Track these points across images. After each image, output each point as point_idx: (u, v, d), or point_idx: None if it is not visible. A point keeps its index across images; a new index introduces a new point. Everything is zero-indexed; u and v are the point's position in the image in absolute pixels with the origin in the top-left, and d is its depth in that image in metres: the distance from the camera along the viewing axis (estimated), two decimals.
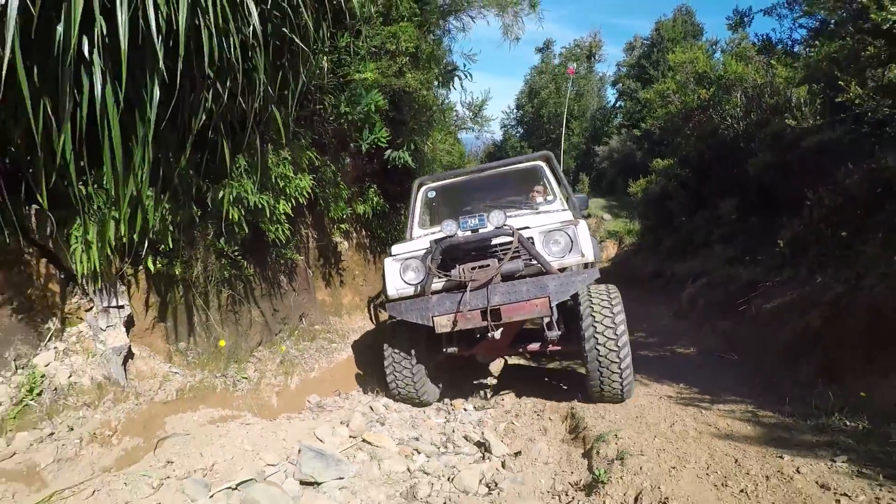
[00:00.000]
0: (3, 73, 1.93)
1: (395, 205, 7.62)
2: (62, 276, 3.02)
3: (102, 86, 2.50)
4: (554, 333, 4.29)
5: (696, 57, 12.60)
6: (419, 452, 3.70)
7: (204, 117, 3.09)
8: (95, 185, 2.97)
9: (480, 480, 3.23)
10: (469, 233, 4.24)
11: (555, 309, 4.14)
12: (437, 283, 4.39)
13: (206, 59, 2.82)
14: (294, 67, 3.53)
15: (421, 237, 5.06)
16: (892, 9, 3.99)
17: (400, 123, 6.70)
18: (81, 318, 3.06)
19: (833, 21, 5.81)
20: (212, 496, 2.58)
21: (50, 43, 2.35)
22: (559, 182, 5.50)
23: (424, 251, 4.45)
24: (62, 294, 3.01)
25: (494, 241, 4.28)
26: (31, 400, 2.65)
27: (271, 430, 3.44)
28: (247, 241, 4.25)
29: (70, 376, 2.85)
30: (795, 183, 7.10)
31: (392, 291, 4.58)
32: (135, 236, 3.10)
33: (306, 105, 4.99)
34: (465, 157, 15.14)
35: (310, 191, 4.67)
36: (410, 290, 4.52)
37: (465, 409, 5.02)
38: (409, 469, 3.39)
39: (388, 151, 6.54)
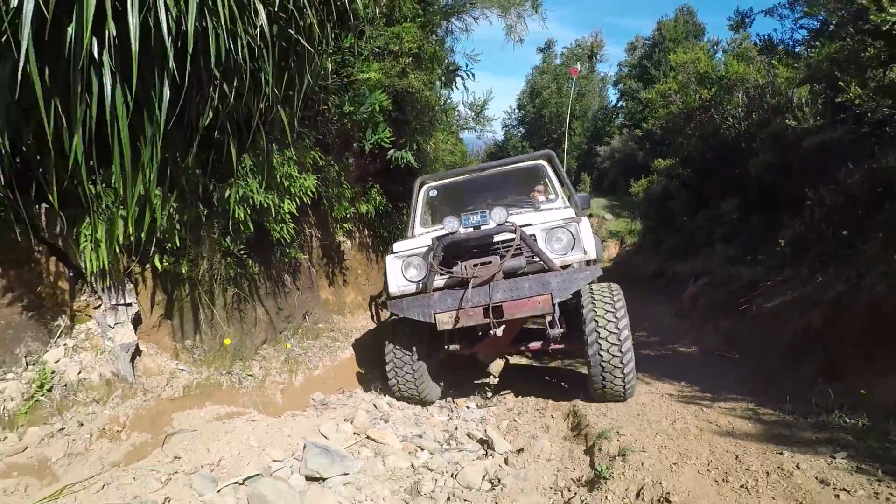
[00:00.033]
0: (19, 75, 1.97)
1: (397, 204, 7.66)
2: (71, 274, 3.07)
3: (112, 87, 2.54)
4: (556, 331, 4.30)
5: (697, 57, 12.63)
6: (422, 449, 3.74)
7: (210, 117, 3.13)
8: (104, 185, 3.01)
9: (483, 476, 3.27)
10: (471, 229, 4.24)
11: (557, 306, 4.14)
12: (439, 281, 4.39)
13: (213, 59, 2.86)
14: (299, 68, 3.56)
15: (422, 235, 5.06)
16: (891, 10, 4.03)
17: (403, 123, 6.74)
18: (90, 316, 3.11)
19: (833, 22, 5.83)
20: (219, 491, 2.61)
21: (61, 44, 2.39)
22: (561, 181, 5.50)
23: (426, 248, 4.45)
24: (71, 292, 3.05)
25: (497, 238, 4.28)
26: (42, 396, 2.69)
27: (276, 427, 3.48)
28: (252, 240, 4.29)
29: (79, 372, 2.90)
30: (796, 183, 7.13)
31: (394, 289, 4.58)
32: (142, 235, 3.15)
33: (311, 105, 5.03)
34: (467, 156, 15.17)
35: (314, 190, 4.71)
36: (412, 288, 4.51)
37: (467, 407, 5.05)
38: (412, 465, 3.43)
39: (391, 151, 6.58)
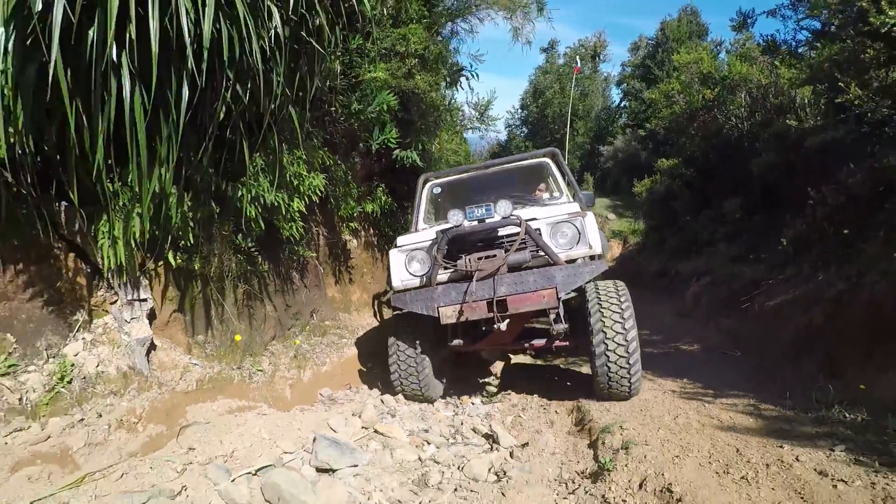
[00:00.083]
0: (50, 78, 2.05)
1: (402, 204, 7.74)
2: (89, 270, 3.15)
3: (131, 88, 2.62)
4: (561, 326, 4.27)
5: (700, 57, 12.69)
6: (429, 443, 3.80)
7: (223, 117, 3.22)
8: (120, 183, 3.09)
9: (489, 469, 3.33)
10: (476, 223, 4.19)
11: (561, 304, 4.14)
12: (443, 275, 4.34)
13: (227, 61, 2.94)
14: (310, 69, 3.64)
15: (426, 230, 4.99)
16: (890, 13, 4.08)
17: (408, 124, 6.82)
18: (107, 311, 3.19)
19: (834, 24, 5.89)
20: (233, 480, 2.69)
21: (82, 47, 2.48)
22: (566, 178, 5.47)
23: (430, 242, 4.41)
24: (89, 287, 3.14)
25: (501, 232, 4.24)
26: (62, 387, 2.78)
27: (287, 421, 3.56)
28: (261, 237, 4.38)
29: (97, 365, 2.98)
30: (799, 182, 7.18)
31: (397, 283, 4.53)
32: (157, 232, 3.24)
33: (319, 106, 5.12)
34: (470, 156, 15.27)
35: (322, 189, 4.78)
36: (416, 282, 4.46)
37: (472, 403, 5.11)
38: (420, 458, 3.50)
39: (397, 151, 6.66)
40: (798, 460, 2.83)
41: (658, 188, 15.36)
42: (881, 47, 4.47)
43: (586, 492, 2.88)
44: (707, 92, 11.56)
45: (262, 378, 4.23)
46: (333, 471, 3.06)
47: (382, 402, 4.71)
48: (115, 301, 3.24)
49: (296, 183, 4.35)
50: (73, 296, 3.05)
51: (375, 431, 3.80)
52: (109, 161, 2.80)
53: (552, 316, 4.29)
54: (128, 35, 2.45)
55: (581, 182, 26.59)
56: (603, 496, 2.77)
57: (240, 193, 3.70)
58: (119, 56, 2.56)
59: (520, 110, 37.19)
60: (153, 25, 2.37)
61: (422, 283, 4.44)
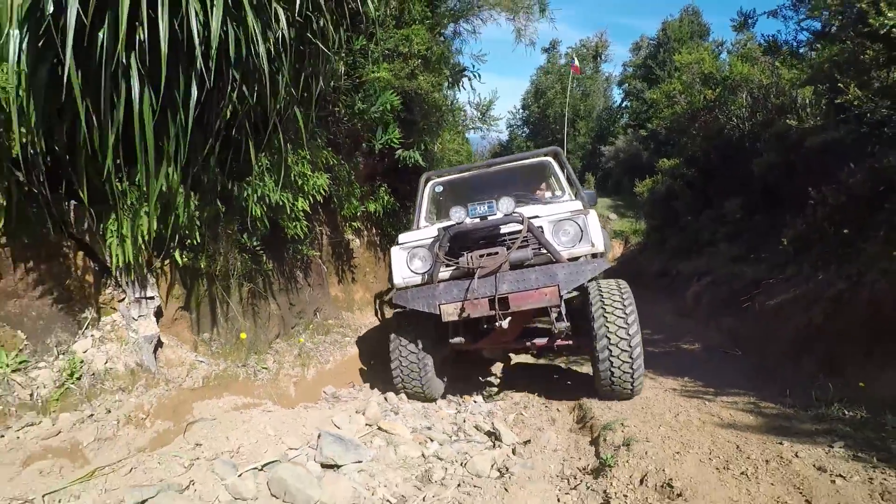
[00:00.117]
0: (65, 79, 2.09)
1: (404, 203, 7.78)
2: (97, 269, 3.20)
3: (140, 89, 2.67)
4: (563, 324, 4.25)
5: (702, 58, 12.74)
6: (432, 440, 3.84)
7: (229, 117, 3.26)
8: (128, 182, 3.14)
9: (492, 465, 3.37)
10: (478, 220, 4.18)
11: (563, 302, 4.12)
12: (445, 272, 4.33)
13: (234, 62, 2.99)
14: (314, 70, 3.68)
15: (427, 228, 4.96)
16: (889, 14, 4.12)
17: (411, 124, 6.86)
18: (115, 308, 3.24)
19: (834, 25, 5.93)
20: (240, 475, 2.73)
21: (92, 48, 2.52)
22: (568, 177, 5.45)
23: (432, 239, 4.40)
24: (97, 285, 3.19)
25: (503, 229, 4.23)
26: (72, 383, 2.82)
27: (291, 418, 3.60)
28: (266, 237, 4.42)
29: (106, 362, 3.03)
30: (799, 182, 7.20)
31: (398, 280, 4.51)
32: (164, 231, 3.28)
33: (323, 106, 5.16)
34: (472, 156, 15.30)
35: (326, 189, 4.81)
36: (417, 279, 4.44)
37: (474, 401, 5.14)
38: (423, 455, 3.54)
39: (400, 151, 6.70)
40: (797, 456, 2.86)
41: (659, 188, 15.38)
42: (880, 48, 4.50)
43: (588, 487, 2.92)
44: (708, 92, 11.59)
45: (266, 375, 4.27)
46: (338, 466, 3.10)
47: (386, 399, 4.75)
48: (123, 299, 3.28)
49: (300, 182, 4.39)
50: (81, 293, 3.10)
51: (379, 428, 3.84)
52: (118, 161, 2.84)
53: (554, 314, 4.26)
54: (137, 37, 2.50)
55: (583, 182, 26.54)
56: (604, 491, 2.81)
57: (245, 193, 3.75)
58: (128, 57, 2.60)
59: (521, 110, 37.24)
60: (163, 27, 2.41)
61: (423, 281, 4.42)
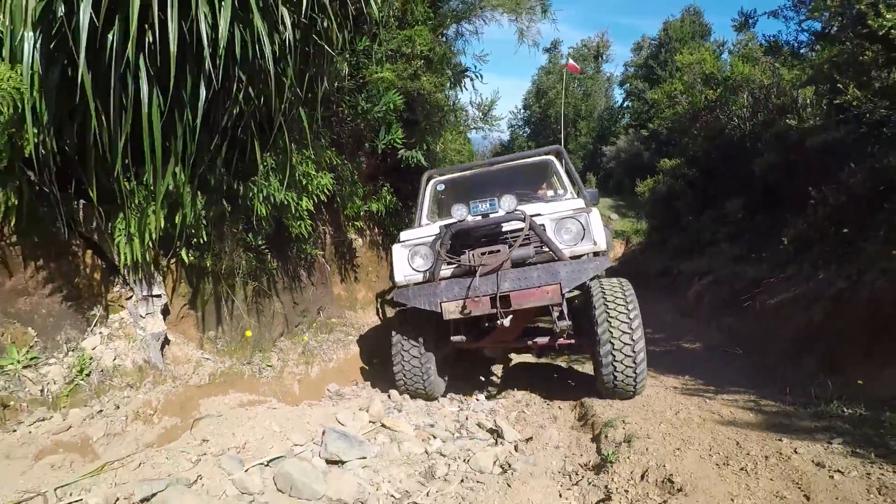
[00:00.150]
0: (79, 80, 2.14)
1: (406, 203, 7.81)
2: (105, 267, 3.25)
3: (149, 90, 2.71)
4: (564, 323, 4.24)
5: (703, 58, 12.76)
6: (435, 437, 3.87)
7: (235, 117, 3.31)
8: (136, 182, 3.18)
9: (495, 462, 3.40)
10: (480, 218, 4.16)
11: (565, 302, 4.12)
12: (446, 270, 4.31)
13: (240, 63, 3.03)
14: (319, 71, 3.72)
15: (429, 226, 4.95)
16: (888, 16, 4.15)
17: (413, 124, 6.89)
18: (123, 306, 3.29)
19: (834, 26, 5.97)
20: (246, 470, 2.77)
21: (102, 50, 2.57)
22: (570, 176, 5.44)
23: (434, 237, 4.39)
24: (105, 283, 3.24)
25: (505, 227, 4.22)
26: (81, 380, 2.87)
27: (296, 414, 3.64)
28: (270, 236, 4.46)
29: (114, 359, 3.07)
30: (800, 182, 7.24)
31: (400, 278, 4.48)
32: (171, 230, 3.33)
33: (327, 107, 5.20)
34: (474, 156, 15.34)
35: (329, 188, 4.85)
36: (419, 277, 4.42)
37: (477, 399, 5.17)
38: (426, 451, 3.57)
39: (402, 151, 6.73)
40: (796, 452, 2.90)
41: (660, 188, 15.40)
42: (879, 49, 4.54)
43: (589, 483, 2.96)
44: (709, 92, 11.62)
45: (271, 373, 4.31)
46: (343, 462, 3.14)
47: (389, 397, 4.78)
48: (131, 297, 3.33)
49: (304, 182, 4.43)
50: (90, 291, 3.15)
51: (383, 425, 3.88)
52: (126, 160, 2.89)
53: (556, 313, 4.25)
54: (147, 39, 2.54)
55: (584, 182, 26.56)
56: (606, 487, 2.84)
57: (251, 192, 3.79)
58: (137, 59, 2.65)
59: (522, 110, 37.30)
60: (172, 28, 2.45)
61: (425, 279, 4.40)
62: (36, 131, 2.41)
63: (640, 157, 25.93)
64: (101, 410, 2.84)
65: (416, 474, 3.22)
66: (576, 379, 5.78)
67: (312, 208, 4.66)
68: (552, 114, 32.99)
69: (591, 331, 4.14)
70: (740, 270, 8.40)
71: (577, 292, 4.43)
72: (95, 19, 2.24)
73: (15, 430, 2.53)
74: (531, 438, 3.89)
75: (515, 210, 4.09)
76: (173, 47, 2.47)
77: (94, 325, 3.11)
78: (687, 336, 7.79)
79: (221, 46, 2.68)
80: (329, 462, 3.14)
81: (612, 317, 4.00)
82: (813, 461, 2.78)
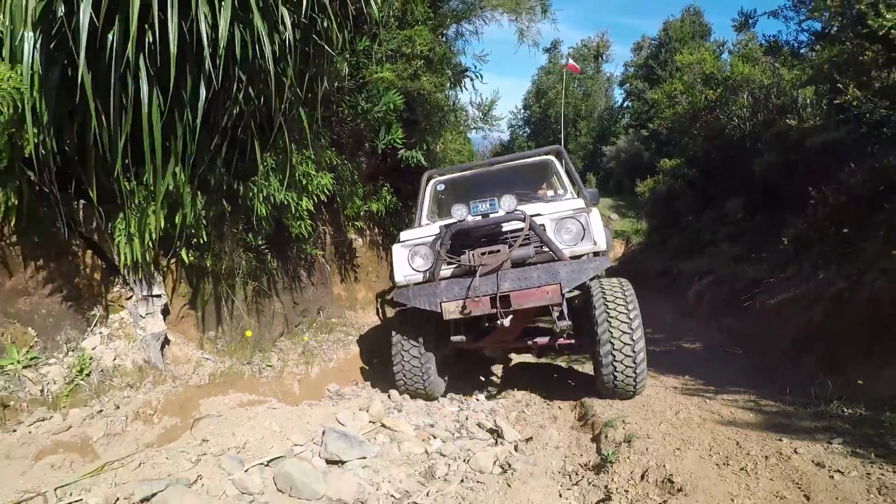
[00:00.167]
0: (79, 80, 2.14)
1: (406, 203, 7.81)
2: (105, 267, 3.25)
3: (149, 90, 2.71)
4: (564, 323, 4.24)
5: (703, 58, 12.76)
6: (435, 437, 3.87)
7: (235, 117, 3.31)
8: (136, 182, 3.18)
9: (495, 462, 3.40)
10: (480, 218, 4.15)
11: (565, 301, 4.11)
12: (446, 270, 4.31)
13: (240, 63, 3.03)
14: (319, 71, 3.72)
15: (429, 226, 4.94)
16: (888, 16, 4.16)
17: (413, 124, 6.90)
18: (123, 306, 3.29)
19: (834, 26, 5.98)
20: (246, 470, 2.77)
21: (101, 50, 2.57)
22: (570, 176, 5.44)
23: (434, 237, 4.39)
24: (105, 283, 3.24)
25: (505, 227, 4.22)
26: (81, 380, 2.87)
27: (296, 414, 3.64)
28: (270, 236, 4.46)
29: (114, 359, 3.08)
30: (800, 182, 7.24)
31: (400, 278, 4.48)
32: (171, 230, 3.33)
33: (328, 107, 5.20)
34: (474, 156, 15.35)
35: (329, 188, 4.85)
36: (419, 277, 4.42)
37: (477, 399, 5.18)
38: (426, 451, 3.57)
39: (402, 151, 6.74)
40: (796, 452, 2.90)
41: (661, 188, 15.41)
42: (879, 49, 4.55)
43: (589, 483, 2.96)
44: (709, 92, 11.63)
45: (271, 373, 4.31)
46: (343, 462, 3.14)
47: (389, 397, 4.78)
48: (131, 297, 3.33)
49: (304, 182, 4.43)
50: (90, 291, 3.15)
51: (383, 425, 3.88)
52: (126, 160, 2.89)
53: (556, 313, 4.25)
54: (147, 39, 2.55)
55: (584, 182, 26.56)
56: (606, 487, 2.85)
57: (251, 192, 3.80)
58: (137, 59, 2.65)
59: (522, 110, 37.31)
60: (172, 27, 2.45)
61: (425, 279, 4.39)
62: (36, 131, 2.42)
63: (640, 157, 25.94)
64: (101, 410, 2.84)
65: (416, 474, 3.22)
66: (576, 379, 5.78)
67: (312, 208, 4.66)
68: (552, 114, 32.99)
69: (592, 331, 4.13)
70: (740, 270, 8.40)
71: (577, 292, 4.43)
72: (95, 19, 2.24)
73: (15, 430, 2.53)
74: (531, 438, 3.89)
75: (515, 210, 4.09)
76: (173, 47, 2.48)
77: (94, 325, 3.11)
78: (687, 336, 7.80)
79: (221, 46, 2.68)
80: (329, 462, 3.14)
81: (612, 317, 3.99)
82: (813, 461, 2.78)
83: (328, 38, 3.63)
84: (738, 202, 10.50)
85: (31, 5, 2.19)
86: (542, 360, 7.13)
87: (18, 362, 2.70)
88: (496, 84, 52.35)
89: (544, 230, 4.19)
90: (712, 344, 7.06)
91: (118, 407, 2.92)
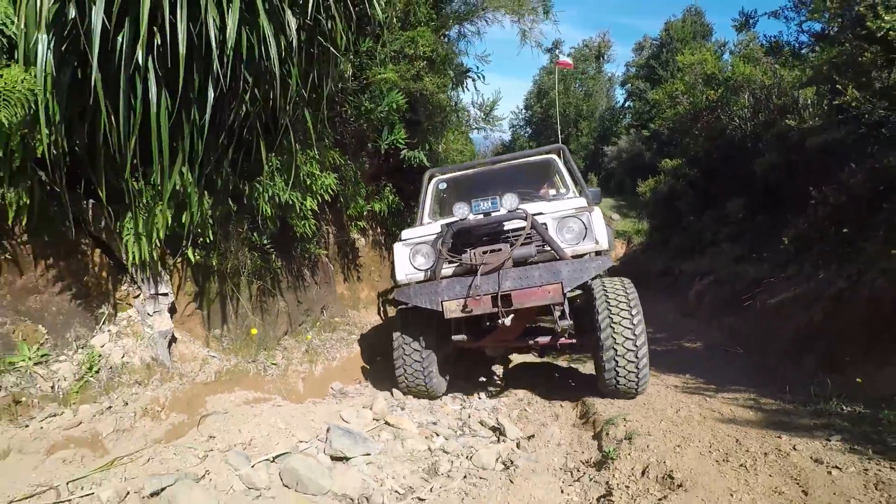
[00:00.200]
0: (92, 81, 2.18)
1: (409, 203, 7.83)
2: (113, 265, 3.29)
3: (157, 91, 2.76)
4: (566, 322, 4.25)
5: (704, 58, 12.80)
6: (438, 435, 3.92)
7: (241, 118, 3.35)
8: (144, 182, 3.23)
9: (497, 459, 3.44)
10: (481, 216, 4.15)
11: (567, 300, 4.11)
12: (448, 269, 4.30)
13: (246, 65, 3.08)
14: (324, 72, 3.76)
15: (430, 224, 4.94)
16: (886, 17, 4.20)
17: (416, 124, 6.93)
18: (130, 304, 3.33)
19: (833, 28, 6.02)
20: (253, 466, 2.82)
21: (111, 52, 2.61)
22: (572, 175, 5.43)
23: (435, 236, 4.38)
24: (114, 282, 3.28)
25: (507, 226, 4.21)
26: (91, 377, 2.92)
27: (301, 412, 3.69)
28: (275, 235, 4.51)
29: (123, 356, 3.12)
30: (801, 182, 7.28)
31: (401, 276, 4.46)
32: (177, 228, 3.37)
33: (331, 107, 5.24)
34: (475, 156, 15.36)
35: (333, 188, 4.89)
36: (420, 276, 4.41)
37: (479, 398, 5.22)
38: (429, 448, 3.62)
39: (405, 151, 6.77)
40: (795, 449, 2.94)
41: (662, 188, 15.45)
42: (878, 51, 4.59)
43: (591, 479, 3.00)
44: (711, 93, 11.67)
45: (276, 371, 4.36)
46: (347, 459, 3.18)
47: (392, 395, 4.83)
48: (139, 295, 3.37)
49: (309, 182, 4.47)
50: (98, 290, 3.19)
51: (386, 423, 3.92)
52: (135, 160, 2.93)
53: (557, 312, 4.25)
54: (156, 41, 2.59)
55: (586, 182, 26.58)
56: (607, 483, 2.88)
57: (256, 192, 3.84)
58: (146, 60, 2.69)
59: (524, 110, 37.35)
60: (181, 29, 2.49)
61: (426, 277, 4.38)
62: (48, 132, 2.46)
63: (642, 157, 25.97)
64: (110, 407, 2.88)
65: (419, 470, 3.27)
66: (577, 378, 5.81)
67: (316, 208, 4.70)
68: (553, 114, 33.03)
69: (593, 331, 4.13)
70: (741, 270, 8.45)
71: (578, 292, 4.44)
72: (107, 22, 2.29)
73: (27, 426, 2.57)
74: (533, 436, 3.93)
75: (517, 209, 4.08)
76: (182, 49, 2.52)
77: (103, 323, 3.15)
78: (688, 335, 7.84)
79: (229, 47, 2.73)
80: (334, 458, 3.18)
81: (614, 317, 3.98)
82: (811, 457, 2.82)
83: (333, 40, 3.66)
84: (739, 202, 10.54)
85: (44, 8, 2.23)
86: (544, 360, 7.16)
87: (30, 359, 2.74)
88: (498, 84, 52.38)
89: (546, 229, 4.17)
90: (713, 343, 7.10)
91: (127, 403, 2.97)
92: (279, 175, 4.03)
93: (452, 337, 4.64)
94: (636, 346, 3.93)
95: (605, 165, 31.15)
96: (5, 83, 2.19)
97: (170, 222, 3.24)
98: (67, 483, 2.30)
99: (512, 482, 3.02)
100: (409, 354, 4.61)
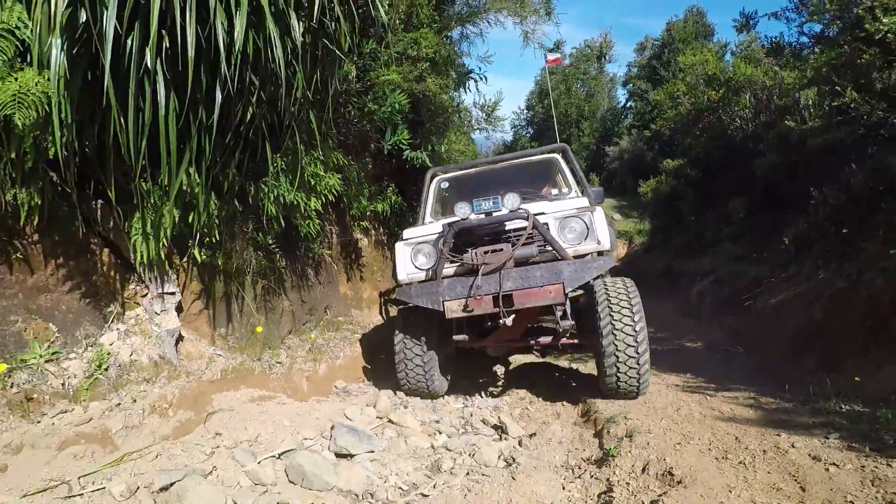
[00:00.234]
0: (105, 85, 2.23)
1: (411, 204, 7.87)
2: (121, 265, 3.35)
3: (165, 94, 2.81)
4: (567, 323, 4.25)
5: (706, 59, 12.82)
6: (441, 432, 3.96)
7: (247, 120, 3.40)
8: (152, 182, 3.28)
9: (499, 456, 3.49)
10: (483, 216, 4.12)
11: (568, 301, 4.12)
12: (449, 269, 4.28)
13: (252, 67, 3.13)
14: (328, 73, 3.81)
15: (432, 224, 4.92)
16: (884, 20, 4.24)
17: (418, 125, 6.97)
18: (138, 303, 3.39)
19: (833, 30, 6.06)
20: (259, 462, 2.86)
21: (121, 55, 2.66)
22: (575, 175, 5.41)
23: (437, 235, 4.36)
24: (122, 281, 3.34)
25: (508, 226, 4.19)
26: (100, 374, 2.97)
27: (305, 410, 3.73)
28: (279, 235, 4.55)
29: (131, 354, 3.17)
30: (801, 182, 7.31)
31: (403, 276, 4.45)
32: (184, 228, 3.42)
33: (335, 109, 5.28)
34: (477, 157, 15.40)
35: (337, 189, 4.92)
36: (421, 275, 4.39)
37: (481, 397, 5.26)
38: (432, 446, 3.66)
39: (407, 152, 6.81)
40: (793, 447, 2.98)
41: (663, 188, 15.48)
42: (876, 52, 4.63)
43: (592, 476, 3.04)
44: (712, 93, 11.70)
45: (280, 370, 4.41)
46: (351, 456, 3.22)
47: (395, 393, 4.86)
48: (146, 294, 3.43)
49: (313, 182, 4.50)
50: (107, 289, 3.24)
51: (390, 421, 3.97)
52: (143, 161, 2.98)
53: (559, 312, 4.25)
54: (165, 44, 2.64)
55: (587, 181, 26.60)
56: (608, 480, 2.93)
57: (261, 193, 3.89)
58: (155, 63, 2.74)
59: (525, 111, 37.39)
60: (190, 33, 2.54)
61: (427, 277, 4.37)
62: (60, 134, 2.51)
63: (643, 157, 25.98)
64: (119, 404, 2.94)
65: (422, 467, 3.31)
66: (578, 378, 5.85)
67: (320, 208, 4.73)
68: (555, 114, 33.04)
69: (595, 330, 4.12)
70: (742, 270, 8.48)
71: (580, 292, 4.46)
72: (118, 26, 2.33)
73: (39, 422, 2.63)
74: (535, 434, 3.96)
75: (519, 208, 4.07)
76: (191, 52, 2.57)
77: (112, 322, 3.20)
78: (689, 335, 7.88)
79: (237, 50, 2.77)
80: (338, 455, 3.22)
81: (615, 318, 3.97)
82: (809, 455, 2.85)
83: (337, 42, 3.70)
84: (739, 202, 10.58)
85: (58, 12, 2.28)
86: (545, 360, 7.18)
87: (41, 356, 2.79)
88: (499, 85, 52.54)
89: (548, 229, 4.16)
90: (713, 343, 7.13)
91: (135, 400, 3.02)
92: (284, 175, 4.07)
93: (454, 337, 4.64)
94: (637, 347, 3.93)
95: (607, 166, 31.18)
96: (20, 86, 2.24)
97: (177, 222, 3.29)
98: (79, 478, 2.34)
99: (514, 479, 3.06)
100: (410, 354, 4.61)
